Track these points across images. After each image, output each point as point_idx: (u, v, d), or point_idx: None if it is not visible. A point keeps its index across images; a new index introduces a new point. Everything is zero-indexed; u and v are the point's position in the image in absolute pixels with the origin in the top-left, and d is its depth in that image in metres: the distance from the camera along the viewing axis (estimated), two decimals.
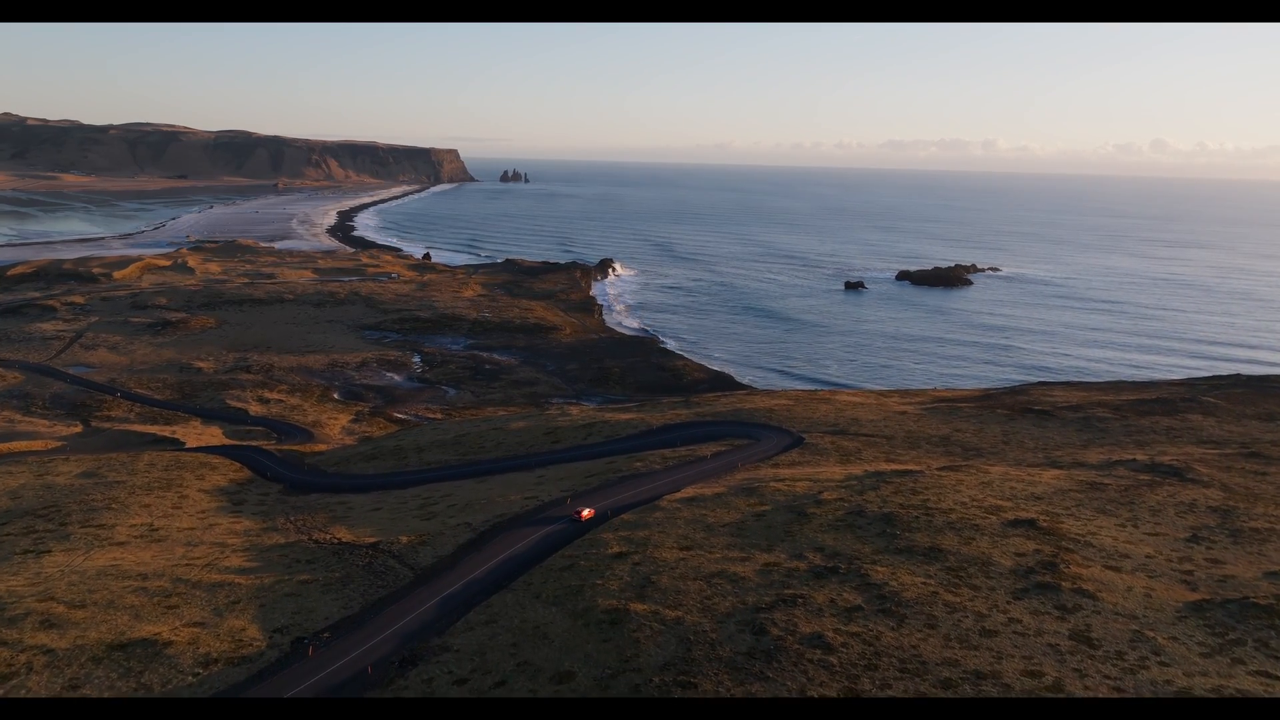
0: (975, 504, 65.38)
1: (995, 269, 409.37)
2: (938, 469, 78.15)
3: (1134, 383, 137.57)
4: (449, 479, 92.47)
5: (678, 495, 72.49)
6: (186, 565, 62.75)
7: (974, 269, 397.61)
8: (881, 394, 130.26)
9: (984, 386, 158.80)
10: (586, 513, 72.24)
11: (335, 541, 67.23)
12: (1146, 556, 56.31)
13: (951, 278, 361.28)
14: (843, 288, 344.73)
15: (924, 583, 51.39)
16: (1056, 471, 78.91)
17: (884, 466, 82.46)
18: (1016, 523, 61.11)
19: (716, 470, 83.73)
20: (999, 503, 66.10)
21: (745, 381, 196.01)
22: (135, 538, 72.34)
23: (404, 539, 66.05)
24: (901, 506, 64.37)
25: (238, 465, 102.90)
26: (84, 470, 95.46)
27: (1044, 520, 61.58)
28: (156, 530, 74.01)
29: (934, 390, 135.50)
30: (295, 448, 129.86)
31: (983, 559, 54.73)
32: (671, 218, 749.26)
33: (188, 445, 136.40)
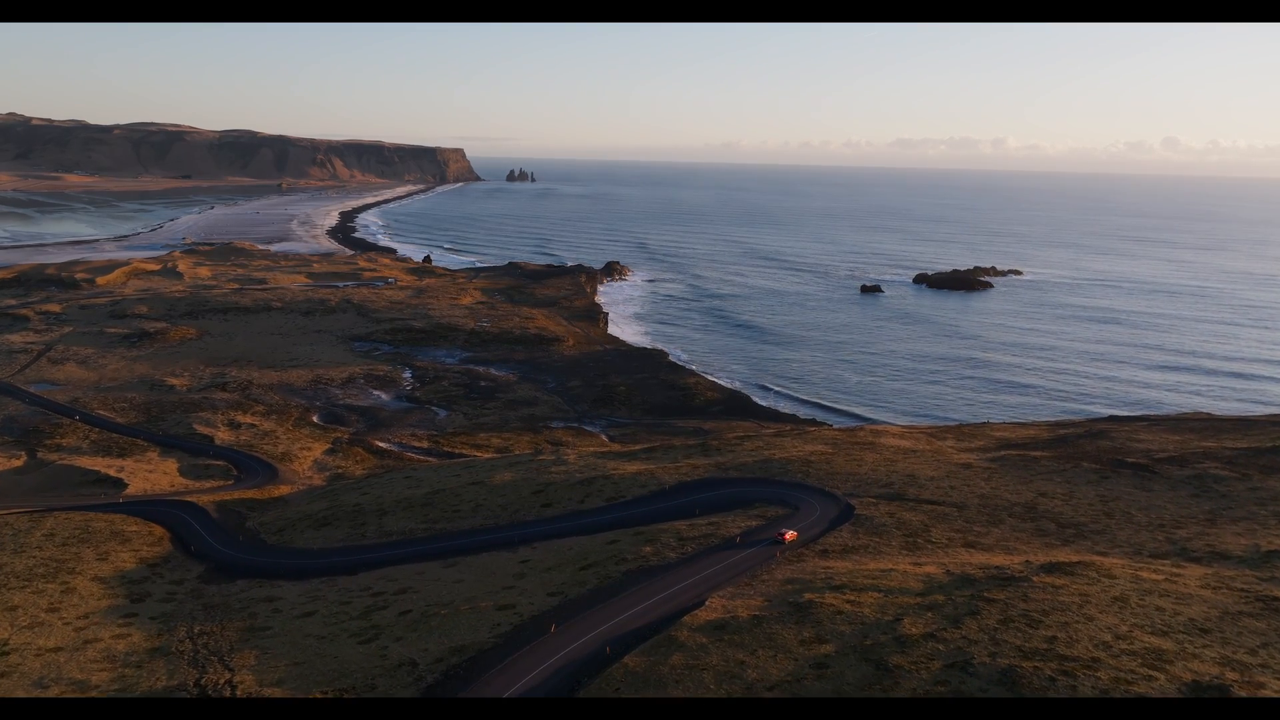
0: (1123, 645, 46.28)
1: (1016, 272, 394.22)
2: (1041, 568, 59.04)
3: (1230, 420, 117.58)
4: (410, 559, 73.88)
5: (701, 617, 53.40)
6: None
7: (994, 272, 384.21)
8: (933, 434, 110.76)
9: (1043, 420, 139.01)
10: (790, 535, 70.40)
11: (226, 694, 48.50)
12: None
13: (970, 281, 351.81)
14: (858, 292, 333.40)
15: None
16: (1199, 570, 59.80)
17: (967, 560, 63.31)
18: (1198, 687, 42.09)
19: (750, 563, 64.57)
20: (1154, 641, 47.01)
21: (764, 405, 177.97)
22: None
23: (317, 696, 47.18)
24: (1022, 653, 45.23)
25: (159, 533, 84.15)
26: None
27: (1235, 681, 42.56)
28: (5, 655, 55.61)
29: (993, 428, 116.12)
30: (247, 494, 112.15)
31: None
32: (679, 219, 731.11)
33: (129, 489, 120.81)
